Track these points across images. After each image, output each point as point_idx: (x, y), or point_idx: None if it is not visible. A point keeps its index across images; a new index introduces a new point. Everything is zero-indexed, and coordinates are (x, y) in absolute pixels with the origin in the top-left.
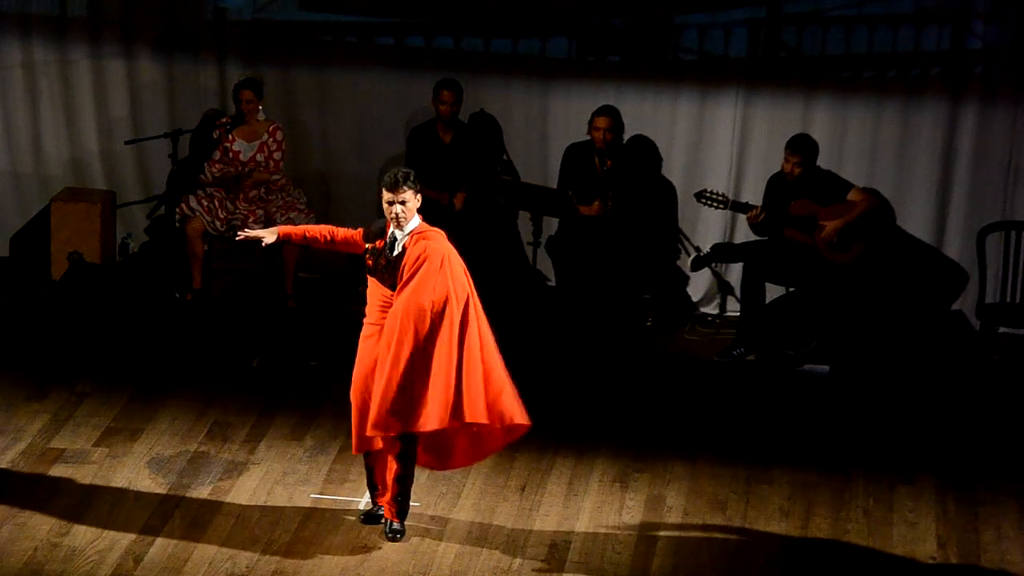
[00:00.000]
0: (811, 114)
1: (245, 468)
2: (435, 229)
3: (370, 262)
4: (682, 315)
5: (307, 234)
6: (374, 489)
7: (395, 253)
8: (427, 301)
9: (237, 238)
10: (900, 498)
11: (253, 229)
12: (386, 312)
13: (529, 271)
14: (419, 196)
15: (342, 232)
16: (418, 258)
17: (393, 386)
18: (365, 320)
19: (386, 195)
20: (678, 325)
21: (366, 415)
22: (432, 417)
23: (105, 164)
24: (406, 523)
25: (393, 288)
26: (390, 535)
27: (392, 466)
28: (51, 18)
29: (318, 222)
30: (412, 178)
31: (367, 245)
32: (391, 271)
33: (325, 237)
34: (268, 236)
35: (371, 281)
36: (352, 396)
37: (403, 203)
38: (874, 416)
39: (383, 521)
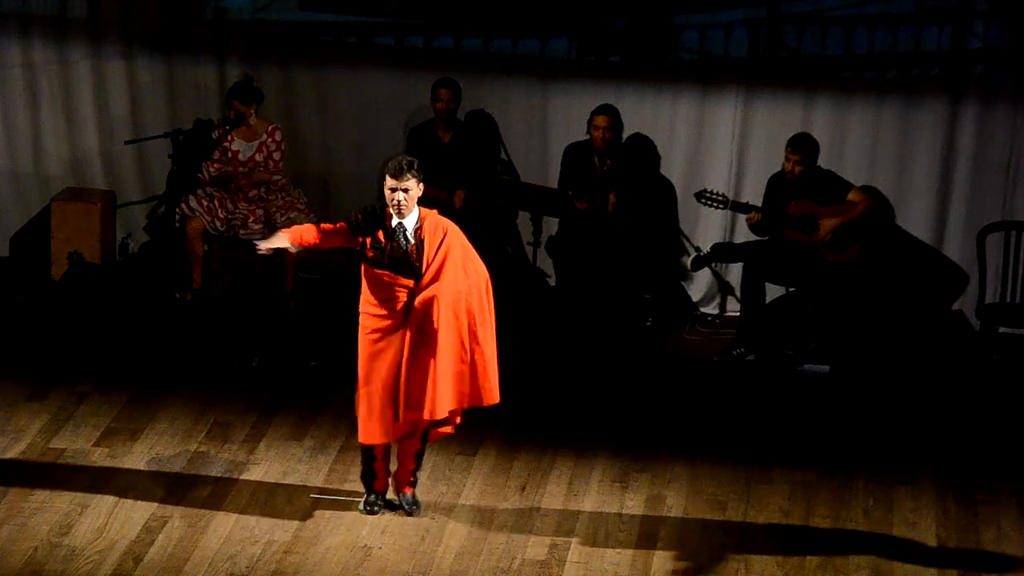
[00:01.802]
0: (811, 114)
1: (245, 468)
2: (434, 211)
3: (376, 255)
4: (682, 315)
5: (303, 238)
6: (373, 477)
7: (409, 243)
8: (463, 285)
9: (259, 252)
10: (900, 498)
11: (252, 229)
12: (398, 304)
13: (529, 271)
14: (422, 185)
15: (326, 226)
16: (441, 244)
17: (449, 368)
18: (369, 312)
19: (389, 182)
20: (678, 325)
21: (390, 404)
22: (491, 392)
23: (105, 164)
24: (406, 523)
25: (414, 277)
26: (409, 508)
27: (415, 446)
28: (51, 18)
29: (318, 222)
30: (416, 166)
31: (363, 238)
32: (407, 261)
33: (315, 239)
34: (285, 243)
35: (374, 274)
36: (369, 387)
37: (406, 191)
38: (874, 416)
39: (401, 496)
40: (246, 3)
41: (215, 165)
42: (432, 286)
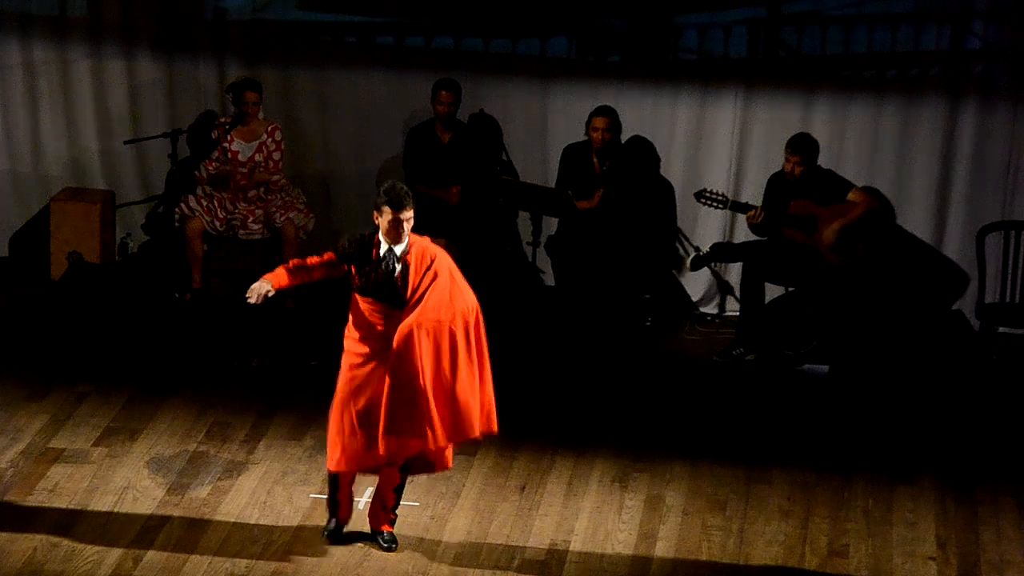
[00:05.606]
0: (811, 114)
1: (245, 468)
2: (425, 237)
3: (363, 283)
4: (682, 315)
5: (290, 277)
6: (338, 505)
7: (397, 269)
8: (445, 314)
9: (249, 301)
10: (900, 498)
11: (251, 229)
12: (384, 331)
13: (528, 271)
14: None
15: (312, 259)
16: (427, 270)
17: (430, 400)
18: (354, 339)
19: (390, 213)
20: (678, 325)
21: (364, 433)
22: (473, 425)
23: (105, 164)
24: (405, 523)
25: (398, 305)
26: (387, 546)
27: (394, 479)
28: (51, 18)
29: (318, 222)
30: (412, 195)
31: (349, 266)
32: (391, 287)
33: (305, 275)
34: (268, 287)
35: (363, 302)
36: (344, 415)
37: (408, 220)
38: (874, 416)
39: (380, 534)
40: (246, 3)
41: (212, 164)
42: (413, 313)
